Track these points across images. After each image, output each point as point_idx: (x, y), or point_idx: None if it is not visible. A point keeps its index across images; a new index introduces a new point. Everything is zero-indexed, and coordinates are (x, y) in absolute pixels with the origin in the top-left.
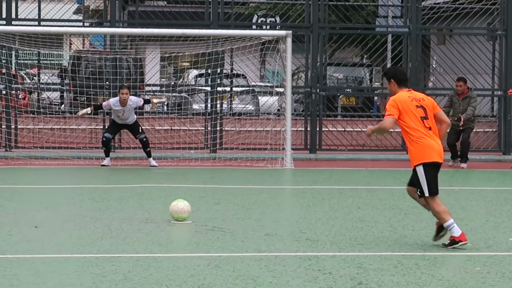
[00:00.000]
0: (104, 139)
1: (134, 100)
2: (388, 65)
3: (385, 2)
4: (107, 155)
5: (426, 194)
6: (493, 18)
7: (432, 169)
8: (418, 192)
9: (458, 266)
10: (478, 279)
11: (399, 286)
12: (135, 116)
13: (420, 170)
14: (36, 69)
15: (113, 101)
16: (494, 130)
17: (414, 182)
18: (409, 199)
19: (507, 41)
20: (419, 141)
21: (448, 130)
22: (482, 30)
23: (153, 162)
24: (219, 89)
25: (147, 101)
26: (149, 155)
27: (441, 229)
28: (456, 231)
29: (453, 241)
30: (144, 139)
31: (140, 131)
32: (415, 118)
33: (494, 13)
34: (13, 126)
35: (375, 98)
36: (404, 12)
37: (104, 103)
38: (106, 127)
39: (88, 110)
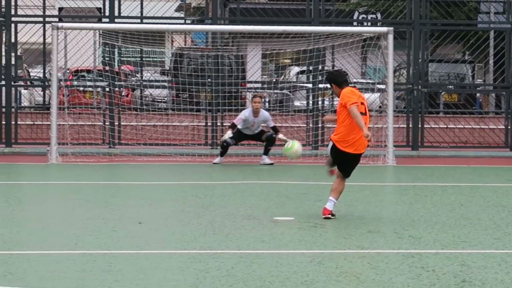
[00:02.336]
0: (224, 143)
1: (266, 116)
2: (491, 62)
3: None
4: (222, 155)
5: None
6: None
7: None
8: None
9: None
10: None
11: (503, 284)
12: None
13: (330, 146)
14: (131, 66)
15: (246, 113)
16: None
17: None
18: None
19: None
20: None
21: None
22: None
23: (267, 160)
24: (320, 86)
25: (274, 129)
26: (267, 152)
27: None
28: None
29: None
30: (273, 136)
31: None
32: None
33: None
34: (116, 123)
35: (478, 94)
36: (506, 8)
37: (236, 120)
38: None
39: (229, 133)
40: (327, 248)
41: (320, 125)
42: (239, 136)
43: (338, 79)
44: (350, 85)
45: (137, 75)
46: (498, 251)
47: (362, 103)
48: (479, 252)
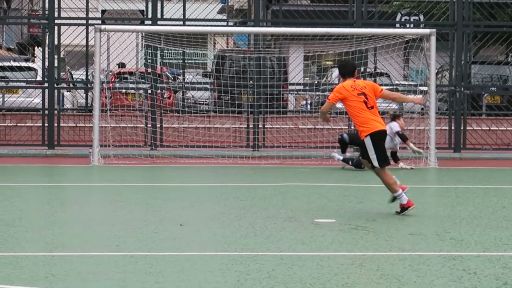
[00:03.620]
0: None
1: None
2: None
3: None
4: (342, 151)
5: (377, 166)
6: None
7: (378, 139)
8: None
9: None
10: None
11: None
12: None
13: (368, 142)
14: (165, 68)
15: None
16: None
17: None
18: None
19: None
20: (363, 118)
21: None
22: None
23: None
24: None
25: (402, 137)
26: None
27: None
28: (404, 199)
29: (404, 208)
30: None
31: None
32: (358, 102)
33: None
34: (158, 125)
35: None
36: None
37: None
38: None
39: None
40: (368, 250)
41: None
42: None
43: (341, 70)
44: (368, 78)
45: (179, 77)
46: None
47: (363, 94)
48: None
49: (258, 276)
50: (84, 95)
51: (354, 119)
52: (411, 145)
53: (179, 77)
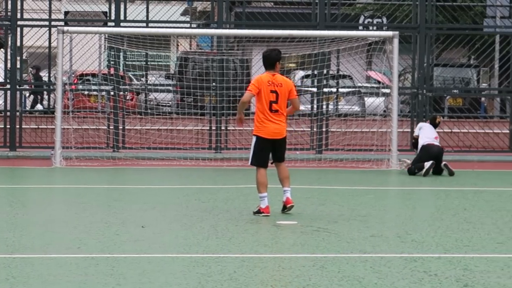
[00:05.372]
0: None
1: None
2: (496, 66)
3: (493, 2)
4: None
5: (249, 162)
6: None
7: (262, 144)
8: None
9: None
10: None
11: None
12: None
13: (253, 140)
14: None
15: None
16: None
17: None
18: None
19: None
20: (260, 118)
21: None
22: None
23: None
24: (325, 90)
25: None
26: None
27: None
28: (264, 203)
29: (259, 211)
30: None
31: None
32: (265, 100)
33: None
34: (120, 127)
35: (482, 99)
36: None
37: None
38: None
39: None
40: (329, 252)
41: (324, 129)
42: None
43: (263, 61)
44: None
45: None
46: (501, 255)
47: (275, 92)
48: (482, 256)
49: (219, 278)
50: (47, 97)
51: (255, 113)
52: None
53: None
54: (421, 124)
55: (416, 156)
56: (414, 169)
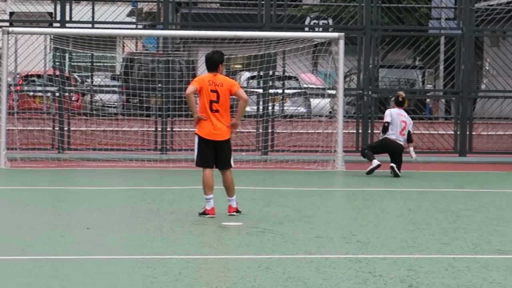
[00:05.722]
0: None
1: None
2: (441, 67)
3: (438, 4)
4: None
5: (195, 163)
6: None
7: (204, 144)
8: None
9: (509, 269)
10: None
11: None
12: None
13: (195, 140)
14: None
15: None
16: None
17: None
18: (460, 202)
19: None
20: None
21: None
22: None
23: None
24: (271, 91)
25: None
26: None
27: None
28: (209, 205)
29: (204, 212)
30: None
31: None
32: (205, 99)
33: None
34: (66, 128)
35: (428, 100)
36: (457, 14)
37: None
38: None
39: None
40: (274, 253)
41: (270, 131)
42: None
43: (205, 64)
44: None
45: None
46: (445, 256)
47: (215, 92)
48: (427, 257)
49: (164, 280)
50: None
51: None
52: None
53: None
54: (388, 111)
55: (376, 142)
56: (364, 151)
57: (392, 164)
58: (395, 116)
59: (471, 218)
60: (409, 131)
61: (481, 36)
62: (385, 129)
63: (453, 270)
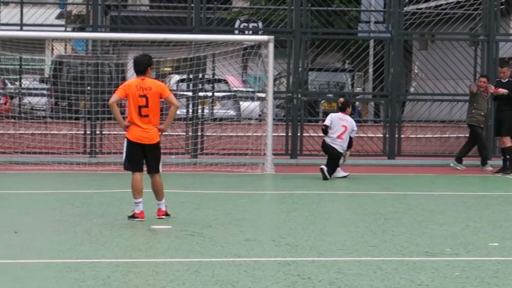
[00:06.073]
0: None
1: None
2: (370, 71)
3: (367, 8)
4: None
5: (123, 167)
6: (475, 23)
7: (133, 147)
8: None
9: (437, 271)
10: (457, 284)
11: None
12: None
13: (124, 143)
14: None
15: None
16: None
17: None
18: (389, 204)
19: (489, 47)
20: (130, 123)
21: None
22: (464, 35)
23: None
24: (200, 94)
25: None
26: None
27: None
28: (138, 209)
29: (133, 216)
30: None
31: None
32: (134, 105)
33: (476, 19)
34: None
35: (357, 103)
36: (386, 17)
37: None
38: None
39: None
40: (204, 256)
41: (199, 134)
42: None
43: (133, 67)
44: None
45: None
46: (374, 258)
47: (144, 96)
48: (355, 259)
49: (93, 283)
50: None
51: (127, 117)
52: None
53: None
54: (330, 115)
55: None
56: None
57: (322, 167)
58: (336, 120)
59: (400, 221)
60: (350, 137)
61: (410, 39)
62: (324, 132)
63: (382, 273)
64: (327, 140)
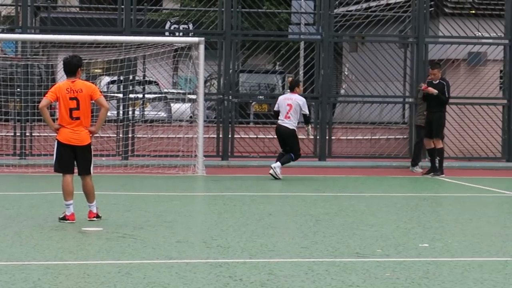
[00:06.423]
0: None
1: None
2: (301, 72)
3: (297, 10)
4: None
5: (53, 169)
6: (404, 25)
7: (64, 149)
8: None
9: (368, 272)
10: (388, 284)
11: None
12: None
13: (55, 145)
14: None
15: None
16: (405, 137)
17: None
18: (320, 206)
19: (418, 49)
20: (61, 125)
21: None
22: (393, 37)
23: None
24: (131, 96)
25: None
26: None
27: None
28: (69, 211)
29: (64, 218)
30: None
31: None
32: (65, 107)
33: (405, 21)
34: None
35: None
36: (316, 19)
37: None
38: None
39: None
40: (135, 258)
41: (130, 135)
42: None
43: (63, 68)
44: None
45: None
46: (305, 259)
47: (75, 99)
48: (287, 261)
49: (23, 286)
50: None
51: (58, 120)
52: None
53: None
54: (277, 100)
55: None
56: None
57: (272, 165)
58: (281, 101)
59: (331, 222)
60: (304, 114)
61: (340, 41)
62: (275, 116)
63: (313, 274)
64: (279, 122)
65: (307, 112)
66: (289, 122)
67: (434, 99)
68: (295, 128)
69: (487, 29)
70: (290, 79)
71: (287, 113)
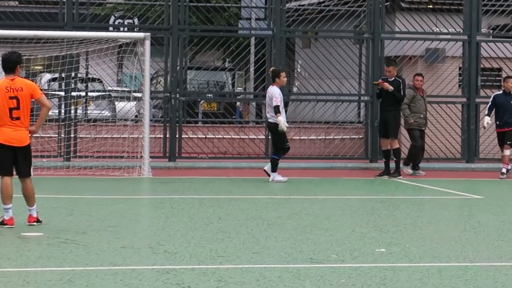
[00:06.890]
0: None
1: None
2: (251, 69)
3: (248, 4)
4: None
5: None
6: (359, 20)
7: (3, 150)
8: None
9: (322, 278)
10: None
11: None
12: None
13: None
14: None
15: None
16: (360, 137)
17: None
18: (272, 209)
19: (374, 45)
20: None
21: None
22: (348, 33)
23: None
24: (73, 94)
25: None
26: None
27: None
28: (7, 215)
29: (3, 222)
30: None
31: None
32: (4, 107)
33: (360, 16)
34: None
35: (238, 103)
36: (267, 14)
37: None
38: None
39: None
40: (77, 265)
41: (72, 135)
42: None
43: (1, 65)
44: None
45: None
46: (256, 266)
47: (15, 98)
48: (237, 267)
49: None
50: None
51: None
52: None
53: None
54: None
55: None
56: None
57: (265, 168)
58: (267, 96)
59: (283, 226)
60: (276, 105)
61: (292, 37)
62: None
63: (265, 281)
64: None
65: (275, 103)
66: (269, 116)
67: (389, 98)
68: (274, 121)
69: (445, 25)
70: (272, 69)
71: (267, 106)
